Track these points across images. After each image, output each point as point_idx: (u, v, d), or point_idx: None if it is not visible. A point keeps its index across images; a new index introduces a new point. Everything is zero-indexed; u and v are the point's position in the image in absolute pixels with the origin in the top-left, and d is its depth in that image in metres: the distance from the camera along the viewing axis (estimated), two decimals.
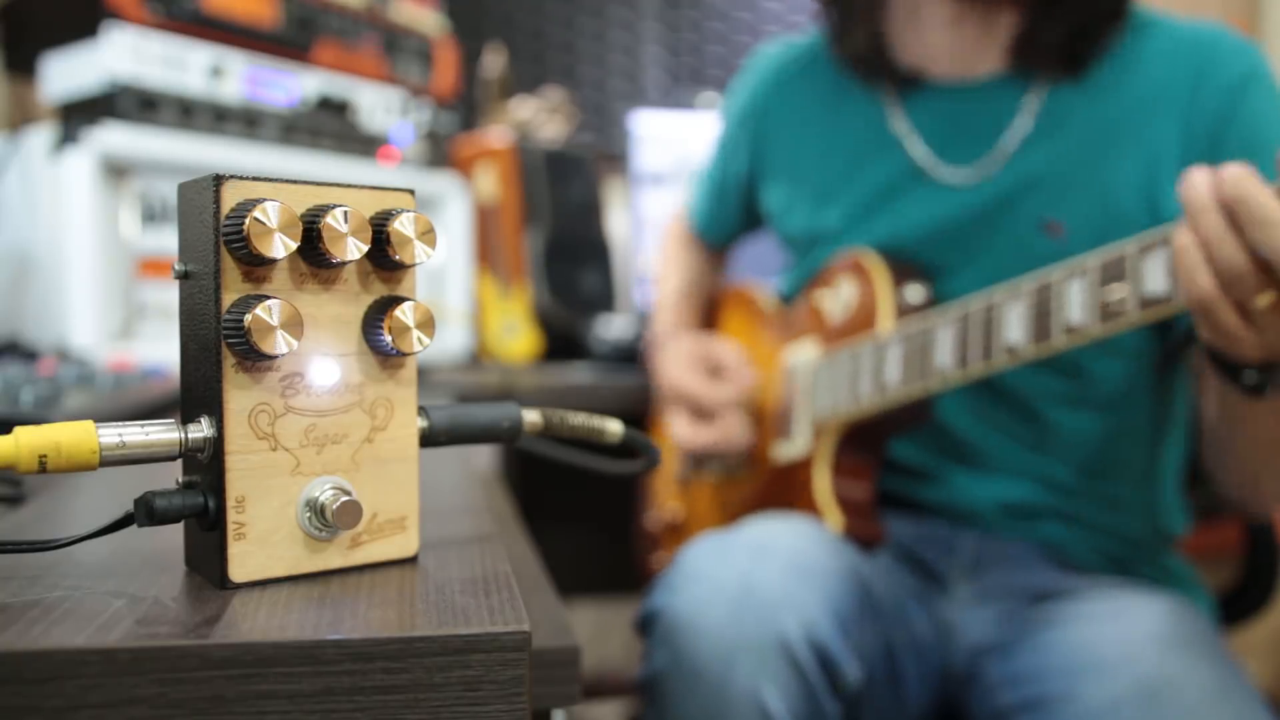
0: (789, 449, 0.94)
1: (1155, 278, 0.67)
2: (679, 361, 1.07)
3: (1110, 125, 0.88)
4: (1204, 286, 0.63)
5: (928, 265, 0.93)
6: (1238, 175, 0.61)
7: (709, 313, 1.23)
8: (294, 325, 0.36)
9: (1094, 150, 0.89)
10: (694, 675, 0.71)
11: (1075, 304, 0.71)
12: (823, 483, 0.89)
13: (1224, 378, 0.72)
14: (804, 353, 0.96)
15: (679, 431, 1.03)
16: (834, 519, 0.87)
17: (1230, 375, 0.71)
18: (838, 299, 0.94)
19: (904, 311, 0.88)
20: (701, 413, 1.02)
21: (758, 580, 0.74)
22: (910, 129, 0.96)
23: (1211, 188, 0.62)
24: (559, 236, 1.52)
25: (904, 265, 0.92)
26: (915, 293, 0.90)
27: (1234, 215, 0.61)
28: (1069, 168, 0.89)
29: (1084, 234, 0.88)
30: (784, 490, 0.94)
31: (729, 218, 1.19)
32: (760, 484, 0.98)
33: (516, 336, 1.48)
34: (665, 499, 1.15)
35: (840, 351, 0.90)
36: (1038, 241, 0.89)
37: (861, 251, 0.94)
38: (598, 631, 1.77)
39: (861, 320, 0.90)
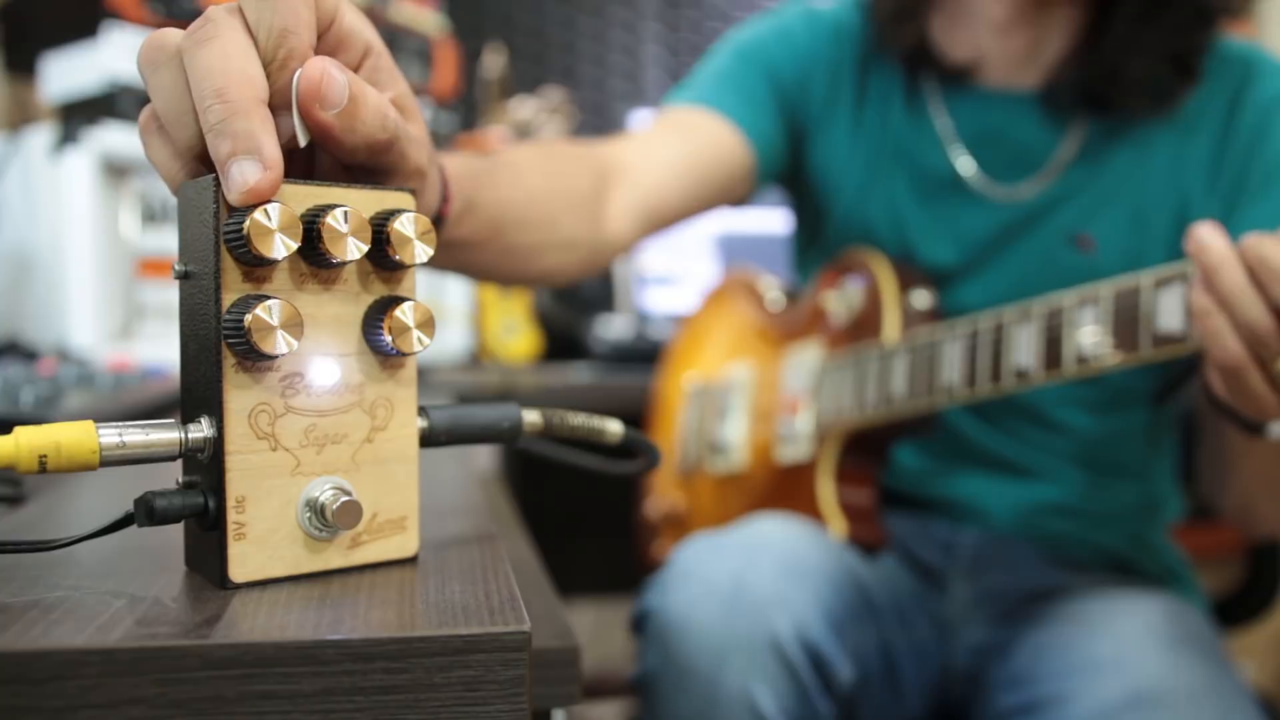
0: (792, 451, 0.94)
1: (1170, 315, 0.64)
2: None
3: (1150, 146, 0.88)
4: (1234, 351, 0.59)
5: (949, 270, 0.92)
6: (1256, 236, 0.59)
7: (705, 302, 1.20)
8: (294, 325, 0.36)
9: (1131, 166, 0.88)
10: (685, 675, 0.71)
11: (1087, 333, 0.68)
12: (826, 489, 0.89)
13: (1227, 420, 0.71)
14: (807, 354, 0.95)
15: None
16: (838, 526, 0.87)
17: (1232, 417, 0.70)
18: (843, 300, 0.93)
19: (910, 318, 0.88)
20: None
21: (749, 579, 0.73)
22: (953, 133, 0.93)
23: (1227, 244, 0.60)
24: None
25: (910, 270, 0.91)
26: (921, 299, 0.89)
27: (1255, 272, 0.58)
28: (1105, 183, 0.88)
29: (1114, 250, 0.87)
30: (786, 492, 0.94)
31: (769, 114, 0.97)
32: (762, 484, 0.98)
33: (516, 336, 1.48)
34: (666, 489, 1.15)
35: (845, 356, 0.90)
36: (1067, 255, 0.88)
37: (869, 253, 0.93)
38: (598, 631, 1.77)
39: (867, 325, 0.90)
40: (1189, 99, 0.87)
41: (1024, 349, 0.73)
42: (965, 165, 0.92)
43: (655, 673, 0.74)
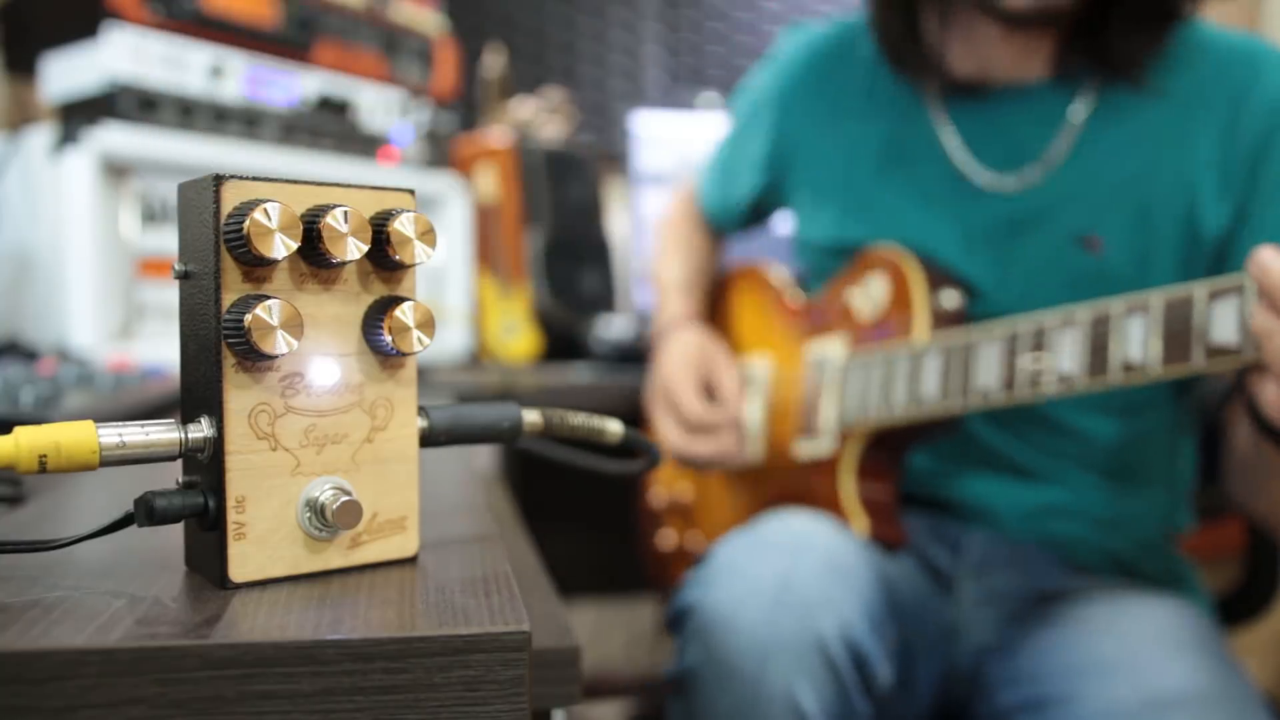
0: (813, 447, 0.93)
1: (1225, 327, 0.63)
2: (680, 362, 1.03)
3: (1151, 139, 0.87)
4: None
5: (959, 273, 0.92)
6: None
7: (715, 292, 1.21)
8: (294, 325, 0.36)
9: (1135, 164, 0.87)
10: (728, 672, 0.71)
11: (1135, 341, 0.68)
12: (848, 487, 0.88)
13: (1270, 441, 0.71)
14: (831, 349, 0.94)
15: (670, 439, 1.01)
16: (859, 523, 0.87)
17: (1276, 438, 0.69)
18: (868, 297, 0.92)
19: (939, 317, 0.87)
20: (693, 427, 1.00)
21: (795, 579, 0.73)
22: (954, 132, 0.93)
23: None
24: (559, 236, 1.52)
25: (937, 269, 0.90)
26: (950, 298, 0.88)
27: None
28: (1110, 182, 0.88)
29: (1122, 250, 0.87)
30: (804, 487, 0.94)
31: (739, 202, 1.14)
32: (778, 478, 0.98)
33: (516, 336, 1.48)
34: (672, 478, 1.15)
35: (873, 354, 0.89)
36: (1075, 255, 0.88)
37: (895, 250, 0.92)
38: (598, 631, 1.77)
39: (895, 323, 0.89)
40: (1190, 91, 0.86)
41: (1067, 354, 0.72)
42: (967, 162, 0.92)
43: (696, 669, 0.74)
